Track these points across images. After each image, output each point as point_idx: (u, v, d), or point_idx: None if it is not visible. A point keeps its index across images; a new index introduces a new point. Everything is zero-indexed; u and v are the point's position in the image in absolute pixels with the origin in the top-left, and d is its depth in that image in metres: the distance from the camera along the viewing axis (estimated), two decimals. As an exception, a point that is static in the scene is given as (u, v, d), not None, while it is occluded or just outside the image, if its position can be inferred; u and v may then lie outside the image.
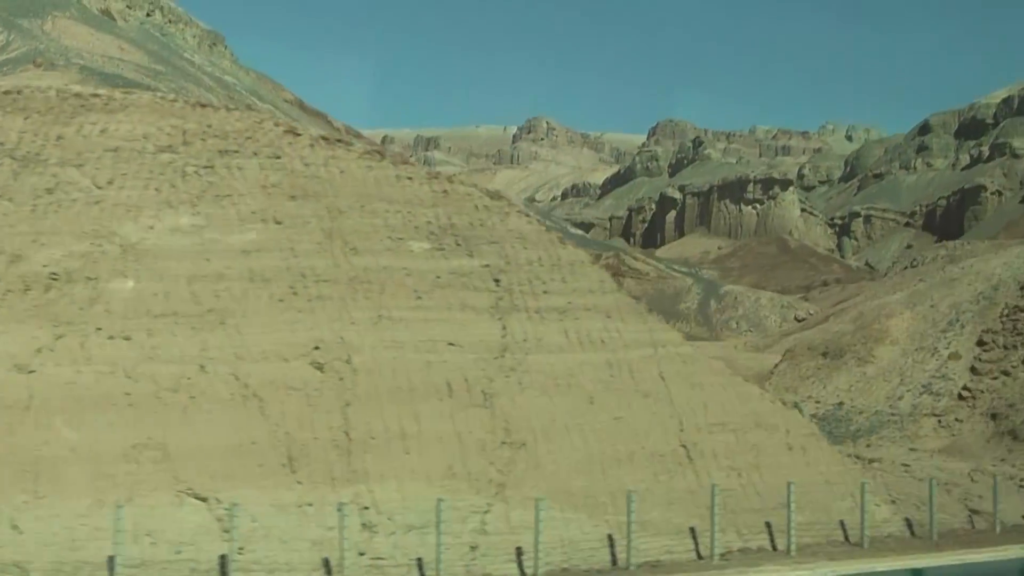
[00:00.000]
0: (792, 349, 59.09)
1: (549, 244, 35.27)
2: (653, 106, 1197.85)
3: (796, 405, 52.57)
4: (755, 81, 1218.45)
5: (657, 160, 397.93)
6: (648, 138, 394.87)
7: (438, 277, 32.60)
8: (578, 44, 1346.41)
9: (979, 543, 32.90)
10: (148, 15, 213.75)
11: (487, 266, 33.49)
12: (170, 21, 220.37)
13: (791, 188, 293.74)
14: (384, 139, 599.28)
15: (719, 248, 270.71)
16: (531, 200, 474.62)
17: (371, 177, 34.67)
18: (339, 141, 36.80)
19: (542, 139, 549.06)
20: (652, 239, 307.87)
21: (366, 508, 26.52)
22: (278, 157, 34.23)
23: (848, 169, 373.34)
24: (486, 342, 31.57)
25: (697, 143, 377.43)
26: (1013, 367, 48.07)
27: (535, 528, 26.28)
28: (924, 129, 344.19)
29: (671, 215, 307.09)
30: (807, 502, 32.00)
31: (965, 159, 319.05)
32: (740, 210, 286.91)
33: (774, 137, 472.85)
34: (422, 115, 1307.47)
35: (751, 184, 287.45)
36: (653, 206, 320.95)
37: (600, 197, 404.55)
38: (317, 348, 29.37)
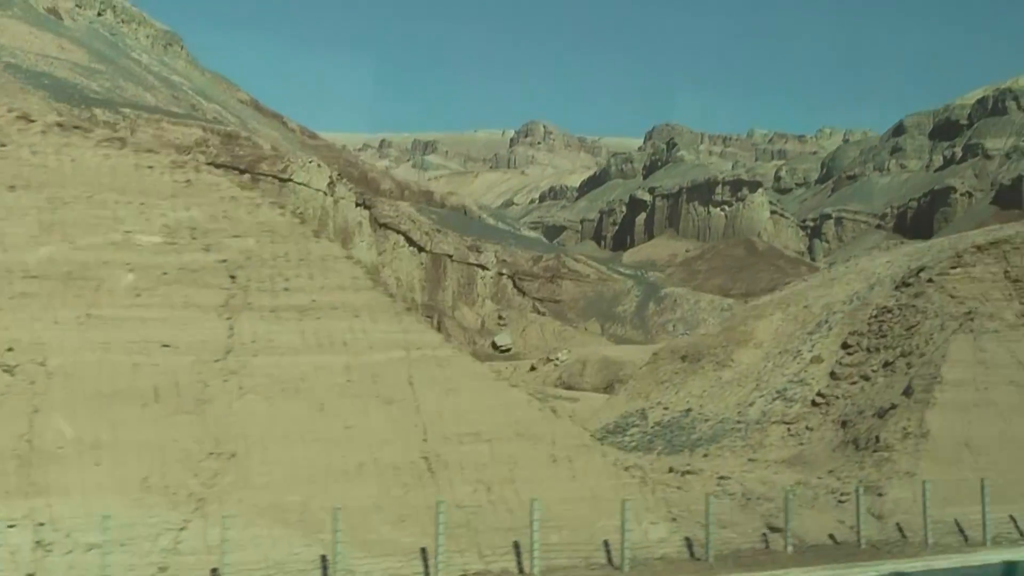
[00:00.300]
0: (658, 352, 56.02)
1: (301, 238, 32.16)
2: (651, 110, 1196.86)
3: (643, 412, 49.92)
4: (754, 85, 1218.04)
5: (632, 162, 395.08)
6: (645, 142, 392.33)
7: (164, 273, 29.56)
8: (577, 49, 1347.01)
9: (761, 565, 29.86)
10: (99, 14, 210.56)
11: (224, 261, 30.44)
12: (123, 21, 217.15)
13: (760, 190, 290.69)
14: (382, 143, 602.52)
15: (687, 251, 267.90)
16: (509, 203, 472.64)
17: (106, 166, 31.57)
18: (77, 128, 33.68)
19: (539, 143, 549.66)
20: (622, 241, 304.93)
21: (41, 525, 24.04)
22: (3, 145, 31.20)
23: (824, 171, 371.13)
24: (208, 343, 28.62)
25: (671, 145, 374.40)
26: (873, 371, 44.90)
27: (230, 546, 23.76)
28: (899, 130, 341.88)
29: (641, 217, 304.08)
30: (569, 519, 28.95)
31: (939, 160, 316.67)
32: (708, 212, 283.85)
33: (770, 141, 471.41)
34: (422, 120, 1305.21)
35: (719, 186, 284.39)
36: (624, 208, 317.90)
37: (576, 200, 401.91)
38: (10, 350, 26.44)
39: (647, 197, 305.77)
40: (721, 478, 36.64)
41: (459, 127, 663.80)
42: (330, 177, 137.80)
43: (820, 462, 40.76)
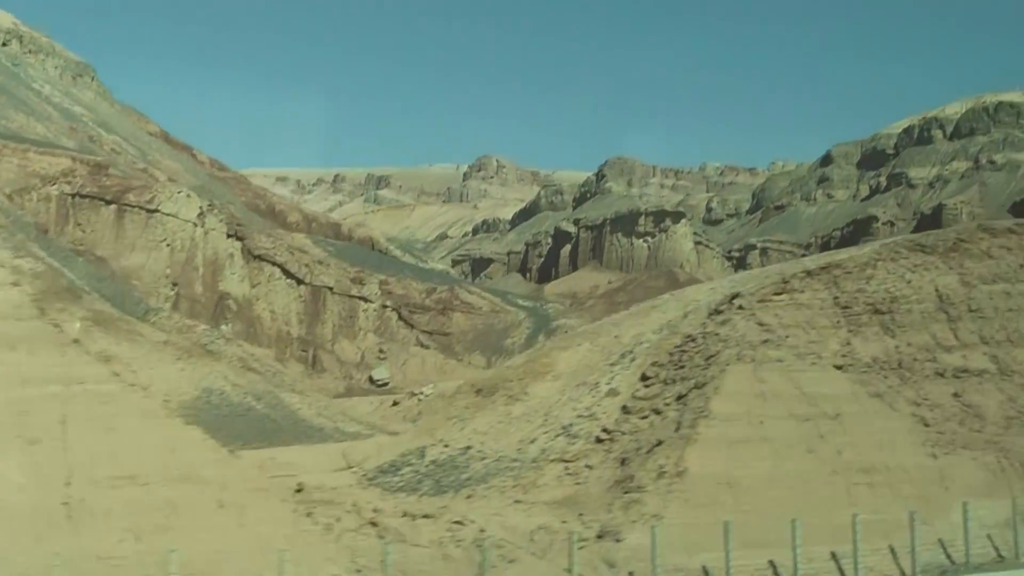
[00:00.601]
0: (461, 386, 53.09)
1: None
2: (606, 144, 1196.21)
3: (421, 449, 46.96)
4: (707, 119, 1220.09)
5: (562, 194, 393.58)
6: (597, 175, 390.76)
7: None
8: (533, 83, 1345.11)
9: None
10: (4, 44, 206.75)
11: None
12: (29, 51, 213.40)
13: (683, 221, 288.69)
14: (336, 177, 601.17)
15: (609, 282, 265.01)
16: (444, 236, 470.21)
17: None
18: None
19: (492, 177, 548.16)
20: (547, 274, 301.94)
21: None
22: None
23: (755, 202, 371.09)
24: None
25: (600, 176, 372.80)
26: (666, 404, 41.96)
27: None
28: (826, 160, 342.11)
29: (566, 249, 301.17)
30: (228, 571, 26.11)
31: (865, 190, 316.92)
32: (632, 243, 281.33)
33: (721, 173, 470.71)
34: (377, 155, 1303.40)
35: (643, 217, 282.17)
36: (549, 241, 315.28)
37: (508, 232, 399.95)
38: None
39: (572, 229, 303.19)
40: (455, 523, 33.77)
41: (415, 162, 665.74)
42: (200, 208, 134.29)
43: (593, 504, 37.88)
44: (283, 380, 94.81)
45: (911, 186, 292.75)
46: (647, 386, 44.78)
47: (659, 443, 37.22)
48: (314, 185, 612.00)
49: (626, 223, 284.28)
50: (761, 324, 45.15)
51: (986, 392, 49.27)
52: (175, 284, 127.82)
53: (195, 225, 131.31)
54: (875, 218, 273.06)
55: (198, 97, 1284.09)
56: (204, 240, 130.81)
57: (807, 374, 40.03)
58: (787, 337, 44.96)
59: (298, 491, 41.38)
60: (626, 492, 35.15)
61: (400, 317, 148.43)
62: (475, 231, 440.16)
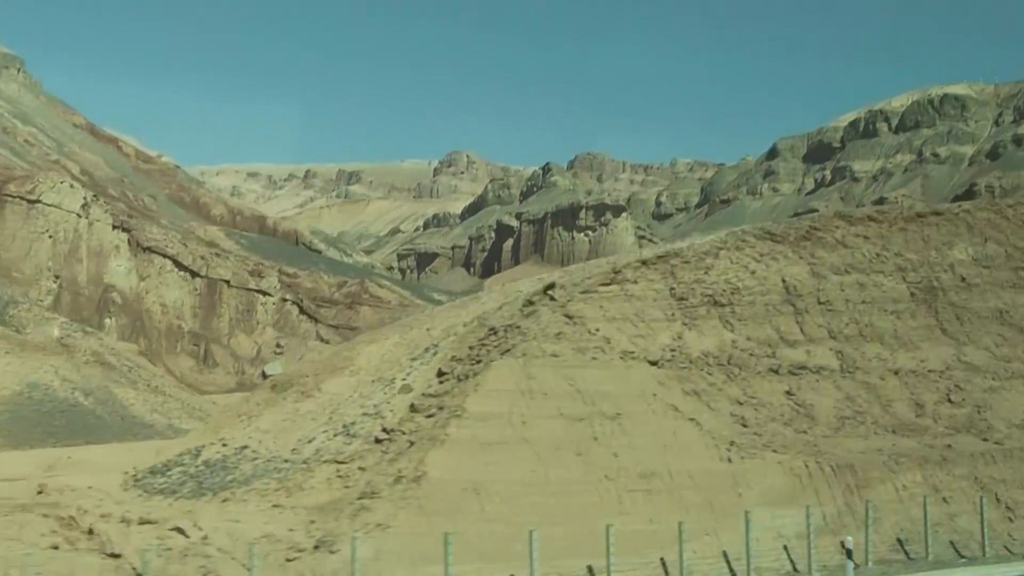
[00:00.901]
0: (268, 381, 49.49)
1: None
2: (578, 140, 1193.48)
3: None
4: (678, 115, 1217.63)
5: (509, 188, 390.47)
6: (567, 170, 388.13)
7: None
8: (506, 80, 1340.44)
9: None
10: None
11: None
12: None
13: (624, 215, 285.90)
14: (307, 173, 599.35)
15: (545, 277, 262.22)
16: (395, 231, 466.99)
17: None
18: None
19: (462, 172, 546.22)
20: (490, 268, 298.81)
21: None
22: None
23: (703, 196, 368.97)
24: None
25: (546, 170, 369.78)
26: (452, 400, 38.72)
27: None
28: (772, 154, 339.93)
29: (508, 243, 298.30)
30: None
31: (811, 183, 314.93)
32: (572, 237, 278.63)
33: (691, 169, 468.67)
34: (350, 151, 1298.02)
35: (584, 211, 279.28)
36: (493, 235, 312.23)
37: (456, 226, 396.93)
38: None
39: (515, 223, 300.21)
40: (174, 529, 30.18)
41: (387, 157, 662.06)
42: (84, 199, 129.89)
43: (358, 508, 34.34)
44: (140, 376, 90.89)
45: (855, 179, 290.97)
46: (441, 382, 41.14)
47: (411, 445, 33.59)
48: (285, 180, 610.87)
49: (567, 217, 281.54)
50: (569, 316, 41.61)
51: (823, 390, 46.08)
52: (57, 276, 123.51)
53: (79, 216, 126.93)
54: (815, 211, 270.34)
55: (171, 96, 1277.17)
56: (88, 232, 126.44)
57: (588, 371, 36.38)
58: (597, 331, 41.51)
59: (39, 492, 37.75)
60: (360, 498, 31.49)
61: (302, 311, 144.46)
62: (426, 225, 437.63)
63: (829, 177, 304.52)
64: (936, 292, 52.99)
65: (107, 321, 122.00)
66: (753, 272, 49.23)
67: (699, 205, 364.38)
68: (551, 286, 44.97)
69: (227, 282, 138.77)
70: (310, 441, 39.66)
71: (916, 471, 41.13)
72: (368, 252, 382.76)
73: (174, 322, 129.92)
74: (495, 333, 42.22)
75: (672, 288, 46.57)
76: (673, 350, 44.03)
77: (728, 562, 33.25)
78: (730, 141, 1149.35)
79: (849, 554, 28.82)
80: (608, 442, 34.38)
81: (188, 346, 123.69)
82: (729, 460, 36.28)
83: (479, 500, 31.17)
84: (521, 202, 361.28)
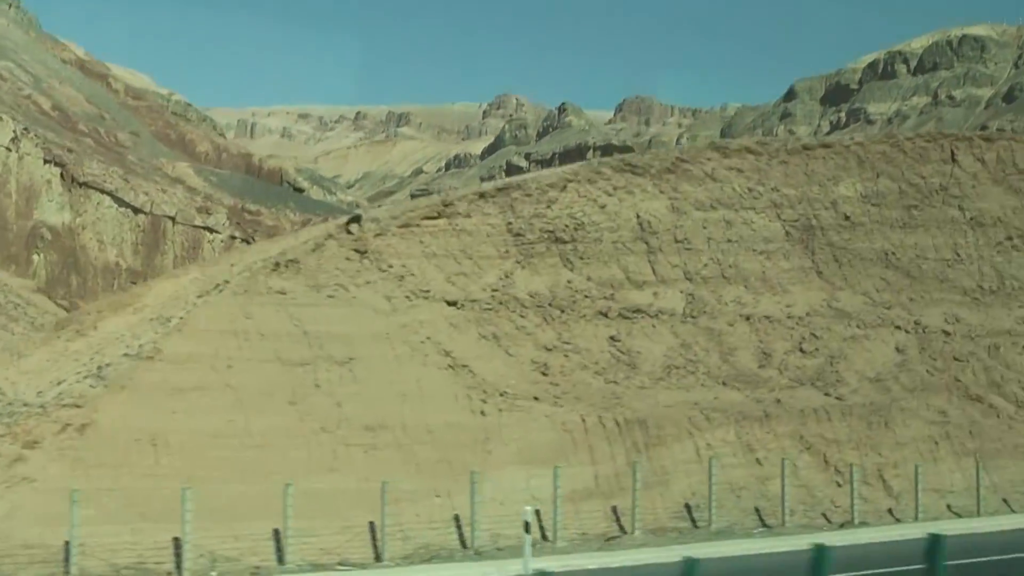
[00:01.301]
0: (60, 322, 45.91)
1: None
2: (630, 84, 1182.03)
3: None
4: (730, 61, 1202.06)
5: (526, 128, 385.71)
6: (615, 114, 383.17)
7: None
8: (560, 22, 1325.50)
9: None
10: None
11: None
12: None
13: (632, 155, 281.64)
14: (357, 115, 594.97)
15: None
16: (419, 171, 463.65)
17: None
18: None
19: (511, 115, 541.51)
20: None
21: None
22: None
23: (722, 137, 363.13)
24: None
25: (560, 110, 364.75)
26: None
27: None
28: (790, 95, 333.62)
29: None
30: None
31: (827, 125, 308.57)
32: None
33: (736, 113, 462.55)
34: (402, 92, 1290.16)
35: (591, 151, 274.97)
36: (502, 175, 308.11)
37: (474, 167, 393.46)
38: None
39: (523, 163, 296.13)
40: None
41: (438, 100, 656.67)
42: (14, 132, 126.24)
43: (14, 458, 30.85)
44: (23, 313, 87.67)
45: (869, 122, 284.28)
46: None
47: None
48: (336, 122, 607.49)
49: (575, 157, 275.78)
50: (360, 252, 37.79)
51: (656, 336, 42.12)
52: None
53: (8, 150, 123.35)
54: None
55: (229, 37, 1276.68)
56: (18, 165, 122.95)
57: (321, 309, 32.50)
58: (390, 267, 37.76)
59: None
60: (23, 447, 27.88)
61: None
62: (447, 166, 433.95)
63: (844, 119, 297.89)
64: (814, 231, 48.82)
65: (35, 257, 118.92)
66: (603, 207, 45.05)
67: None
68: (356, 219, 41.12)
69: (172, 219, 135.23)
70: (59, 384, 36.10)
71: (730, 428, 37.22)
72: (390, 193, 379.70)
73: (111, 259, 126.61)
74: (277, 268, 38.54)
75: (510, 223, 42.57)
76: (496, 290, 40.29)
77: (460, 528, 29.51)
78: (777, 84, 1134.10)
79: (526, 527, 24.83)
80: (333, 390, 30.53)
81: (125, 283, 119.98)
82: (483, 413, 32.36)
83: (155, 453, 27.50)
84: (537, 142, 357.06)
